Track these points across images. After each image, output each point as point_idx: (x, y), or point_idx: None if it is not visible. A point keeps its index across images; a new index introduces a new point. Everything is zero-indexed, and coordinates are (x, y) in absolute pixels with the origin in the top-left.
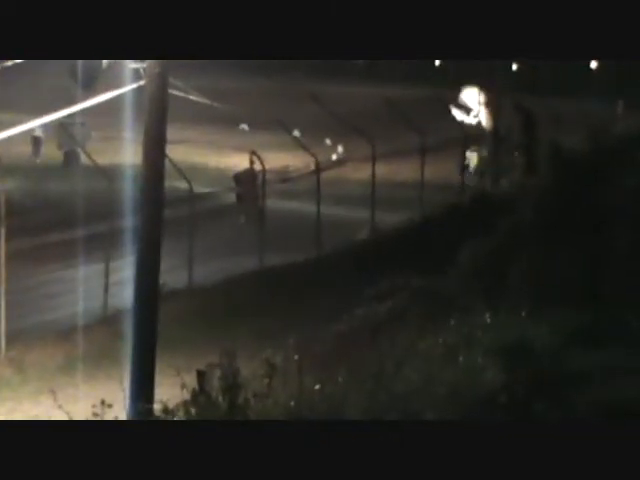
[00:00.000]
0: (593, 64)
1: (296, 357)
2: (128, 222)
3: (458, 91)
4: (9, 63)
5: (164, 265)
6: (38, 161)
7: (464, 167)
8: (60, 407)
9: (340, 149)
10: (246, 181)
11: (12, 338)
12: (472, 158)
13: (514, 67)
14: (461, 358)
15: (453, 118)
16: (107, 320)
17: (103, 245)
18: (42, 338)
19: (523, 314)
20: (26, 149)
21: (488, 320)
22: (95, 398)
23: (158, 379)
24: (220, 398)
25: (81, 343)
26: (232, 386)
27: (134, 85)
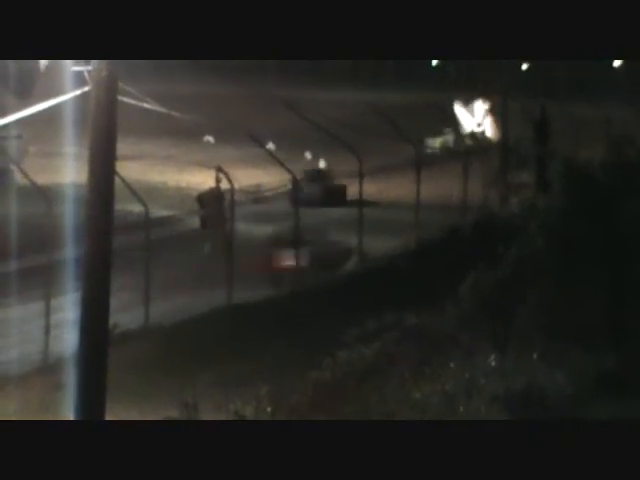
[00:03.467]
0: (616, 63)
1: (269, 409)
2: (72, 252)
3: (459, 96)
4: None
5: (115, 303)
6: None
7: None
8: None
9: (322, 164)
10: (211, 202)
11: None
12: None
13: (524, 67)
14: (462, 408)
15: (453, 127)
16: (47, 368)
17: (42, 280)
18: None
19: (534, 357)
20: None
21: (493, 364)
22: None
23: None
24: None
25: (16, 396)
26: None
27: (78, 91)
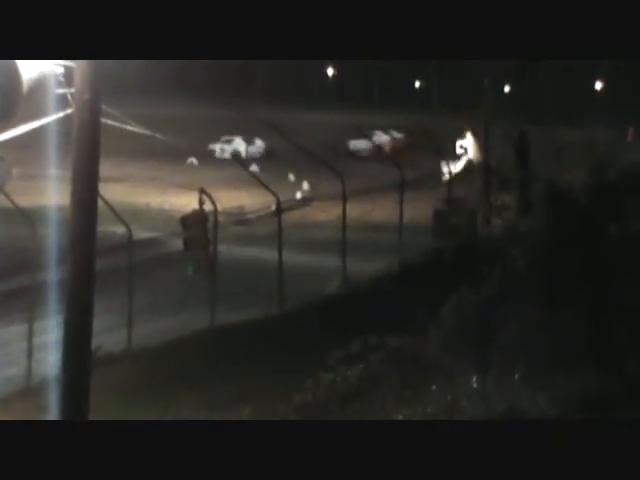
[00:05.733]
0: (598, 86)
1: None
2: (55, 275)
3: (442, 119)
4: None
5: (98, 325)
6: None
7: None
8: None
9: (305, 186)
10: (195, 224)
11: None
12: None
13: (506, 90)
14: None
15: (436, 150)
16: (30, 391)
17: (25, 302)
18: None
19: (516, 378)
20: None
21: (474, 386)
22: None
23: None
24: None
25: None
26: None
27: (61, 114)
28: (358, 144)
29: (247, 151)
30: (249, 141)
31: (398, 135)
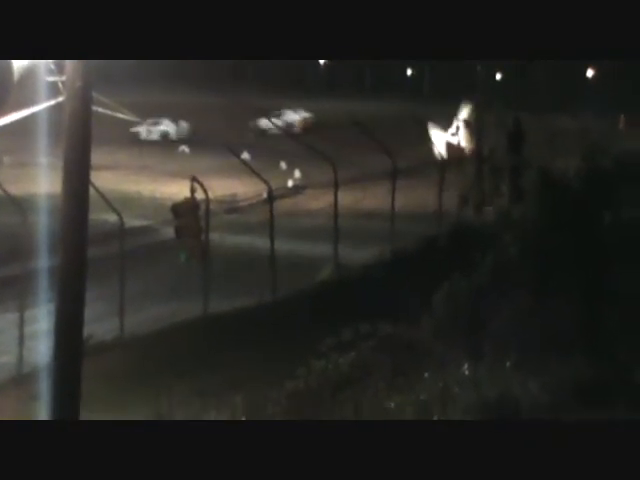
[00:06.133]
0: (590, 74)
1: (243, 419)
2: (46, 263)
3: (434, 106)
4: None
5: (90, 313)
6: None
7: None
8: None
9: (297, 174)
10: (187, 213)
11: None
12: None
13: (497, 77)
14: (436, 418)
15: (428, 138)
16: (21, 379)
17: (16, 291)
18: None
19: (507, 366)
20: None
21: (466, 373)
22: None
23: None
24: None
25: None
26: None
27: (52, 102)
28: (269, 123)
29: (176, 132)
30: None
31: (307, 115)
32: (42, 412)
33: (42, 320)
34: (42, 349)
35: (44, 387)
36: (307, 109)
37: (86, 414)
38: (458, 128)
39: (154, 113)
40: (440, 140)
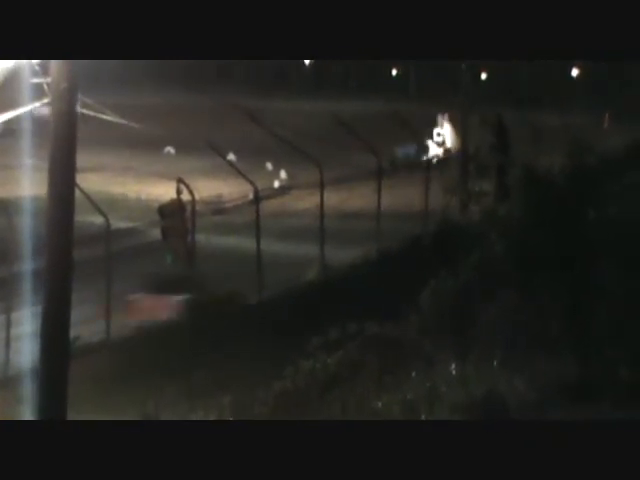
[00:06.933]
0: (574, 72)
1: (231, 419)
2: (32, 265)
3: (420, 105)
4: None
5: (76, 315)
6: None
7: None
8: None
9: (283, 175)
10: (173, 214)
11: None
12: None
13: (483, 77)
14: (423, 417)
15: (413, 137)
16: (7, 382)
17: (3, 293)
18: None
19: (494, 364)
20: None
21: (454, 372)
22: None
23: None
24: None
25: None
26: None
27: (37, 103)
28: None
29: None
30: None
31: None
32: (28, 414)
33: (28, 322)
34: (29, 351)
35: (31, 389)
36: (292, 109)
37: (73, 415)
38: (443, 127)
39: (138, 114)
40: (426, 139)
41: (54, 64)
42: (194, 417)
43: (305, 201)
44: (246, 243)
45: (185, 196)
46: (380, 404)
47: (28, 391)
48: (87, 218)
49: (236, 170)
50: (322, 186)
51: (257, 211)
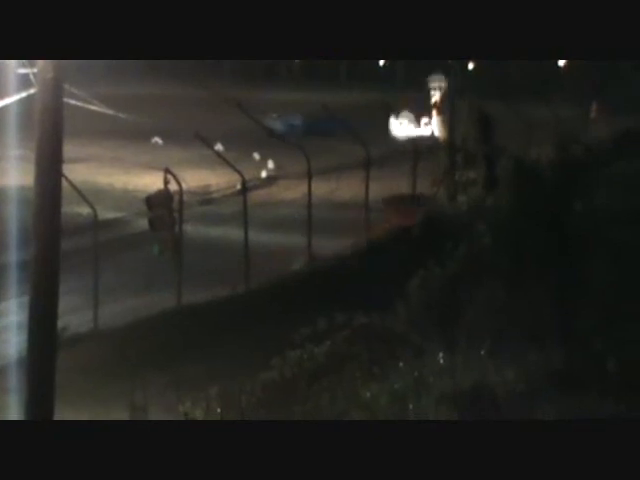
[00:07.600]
0: (561, 63)
1: (219, 410)
2: (19, 256)
3: (407, 95)
4: None
5: (64, 306)
6: None
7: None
8: None
9: (270, 165)
10: (160, 204)
11: None
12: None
13: (470, 66)
14: (411, 406)
15: (400, 126)
16: None
17: None
18: None
19: (482, 354)
20: None
21: (441, 362)
22: None
23: None
24: None
25: None
26: None
27: (23, 94)
28: None
29: None
30: None
31: None
32: (15, 405)
33: (15, 313)
34: (16, 341)
35: (18, 380)
36: (280, 100)
37: (60, 406)
38: (431, 117)
39: (126, 105)
40: (413, 128)
41: None
42: (181, 408)
43: (293, 191)
44: (234, 233)
45: (173, 186)
46: (368, 394)
47: (15, 382)
48: (74, 209)
49: (224, 160)
50: (310, 176)
51: (245, 201)
